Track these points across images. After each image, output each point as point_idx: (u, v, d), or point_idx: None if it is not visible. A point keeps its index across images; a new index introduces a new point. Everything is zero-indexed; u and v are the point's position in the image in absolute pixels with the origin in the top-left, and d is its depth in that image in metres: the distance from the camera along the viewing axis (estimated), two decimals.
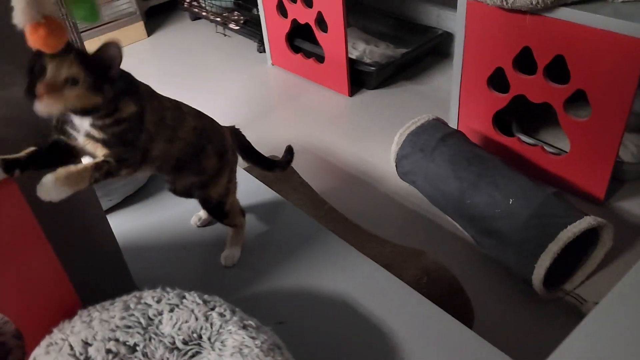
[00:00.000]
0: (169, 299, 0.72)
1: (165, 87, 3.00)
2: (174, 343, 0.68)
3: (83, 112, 0.71)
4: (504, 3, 1.52)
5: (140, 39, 3.18)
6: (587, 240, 1.44)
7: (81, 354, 0.65)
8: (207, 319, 0.70)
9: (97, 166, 0.73)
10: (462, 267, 1.56)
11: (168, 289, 0.74)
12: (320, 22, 2.32)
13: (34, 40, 0.62)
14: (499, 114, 1.85)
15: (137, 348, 0.67)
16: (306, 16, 2.36)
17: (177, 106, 0.91)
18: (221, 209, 1.01)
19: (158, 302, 0.71)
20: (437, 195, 1.65)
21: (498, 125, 1.87)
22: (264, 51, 2.76)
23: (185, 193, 0.97)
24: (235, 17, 3.01)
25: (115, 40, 0.69)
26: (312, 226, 1.12)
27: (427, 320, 0.91)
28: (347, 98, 2.42)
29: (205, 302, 0.73)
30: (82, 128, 0.73)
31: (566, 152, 1.71)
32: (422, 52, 2.57)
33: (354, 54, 2.65)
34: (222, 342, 0.68)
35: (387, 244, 1.37)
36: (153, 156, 0.84)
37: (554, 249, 1.31)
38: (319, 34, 2.36)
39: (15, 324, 0.76)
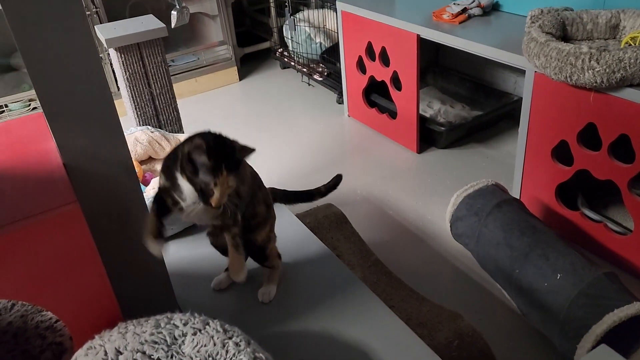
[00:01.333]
0: (194, 323, 0.81)
1: (251, 127, 3.22)
2: None
3: None
4: (569, 80, 1.54)
5: (233, 82, 3.45)
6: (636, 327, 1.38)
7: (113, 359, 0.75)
8: (223, 346, 0.78)
9: (229, 233, 0.98)
10: (505, 337, 1.54)
11: (196, 314, 0.84)
12: (396, 80, 2.42)
13: None
14: (565, 186, 1.83)
15: None
16: (383, 74, 2.47)
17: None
18: (263, 252, 1.12)
19: (185, 324, 0.80)
20: (487, 260, 1.65)
21: (563, 198, 1.84)
22: (342, 103, 2.90)
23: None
24: (320, 69, 3.19)
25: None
26: (348, 277, 1.18)
27: None
28: (415, 155, 2.47)
29: (225, 331, 0.81)
30: (189, 195, 0.90)
31: (631, 231, 1.65)
32: (496, 117, 2.59)
33: (428, 113, 2.71)
34: None
35: (426, 303, 1.39)
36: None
37: (597, 331, 1.27)
38: (393, 91, 2.45)
39: (67, 328, 0.88)
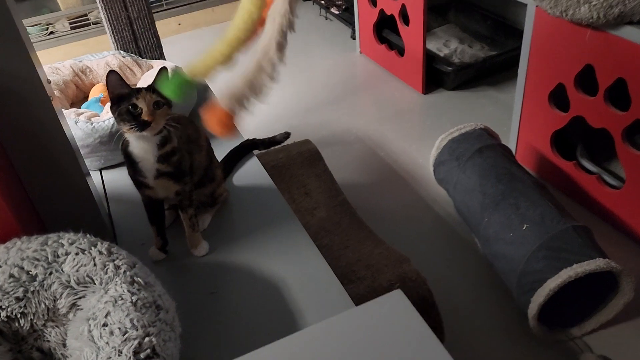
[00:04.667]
0: (80, 244, 0.81)
1: None
2: (69, 282, 0.77)
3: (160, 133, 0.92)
4: (564, 14, 1.40)
5: None
6: (610, 286, 1.30)
7: None
8: (103, 267, 0.78)
9: (186, 214, 1.01)
10: (468, 286, 1.50)
11: (88, 235, 0.84)
12: (405, 15, 2.29)
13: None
14: (563, 136, 1.70)
15: (37, 279, 0.77)
16: (392, 7, 2.33)
17: (191, 121, 1.07)
18: (215, 201, 1.16)
19: (71, 244, 0.81)
20: (461, 207, 1.58)
21: (560, 148, 1.73)
22: (356, 38, 2.78)
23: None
24: (338, 3, 3.05)
25: (165, 66, 0.92)
26: (286, 215, 1.15)
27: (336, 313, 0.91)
28: (420, 95, 2.36)
29: (110, 253, 0.81)
30: (151, 169, 0.94)
31: (623, 183, 1.53)
32: (512, 58, 2.41)
33: (443, 52, 2.57)
34: (106, 291, 0.76)
35: (381, 246, 1.36)
36: (193, 169, 1.03)
37: (551, 285, 1.21)
38: (401, 26, 2.32)
39: None
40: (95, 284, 0.77)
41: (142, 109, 0.87)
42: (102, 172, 1.33)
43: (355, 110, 2.33)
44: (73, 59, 1.54)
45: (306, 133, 2.17)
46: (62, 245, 0.80)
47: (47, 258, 0.78)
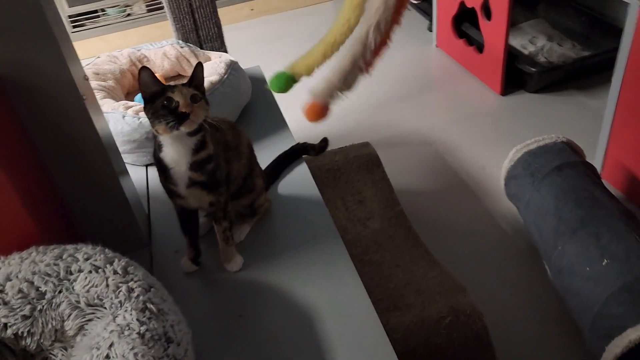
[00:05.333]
0: (95, 260, 0.75)
1: None
2: (79, 302, 0.72)
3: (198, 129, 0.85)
4: None
5: (325, 0, 3.26)
6: None
7: (1, 285, 0.72)
8: (116, 289, 0.72)
9: (220, 227, 0.95)
10: (533, 320, 1.34)
11: (106, 250, 0.78)
12: (487, 8, 2.10)
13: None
14: None
15: (46, 296, 0.72)
16: (472, 0, 2.15)
17: (232, 125, 1.01)
18: (254, 212, 1.08)
19: (86, 259, 0.75)
20: (532, 229, 1.42)
21: None
22: (432, 30, 2.61)
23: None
24: None
25: (200, 62, 0.86)
26: (329, 231, 1.05)
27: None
28: (498, 97, 2.17)
29: (126, 273, 0.74)
30: (183, 177, 0.87)
31: None
32: (607, 60, 2.16)
33: (528, 49, 2.35)
34: (114, 317, 0.70)
35: (435, 269, 1.23)
36: (231, 179, 0.97)
37: (632, 336, 1.04)
38: (482, 21, 2.14)
39: None
40: (105, 308, 0.71)
41: (179, 102, 0.81)
42: (148, 168, 1.29)
43: (426, 110, 2.18)
44: (132, 47, 1.51)
45: (370, 131, 2.05)
46: (77, 260, 0.75)
47: (59, 274, 0.73)
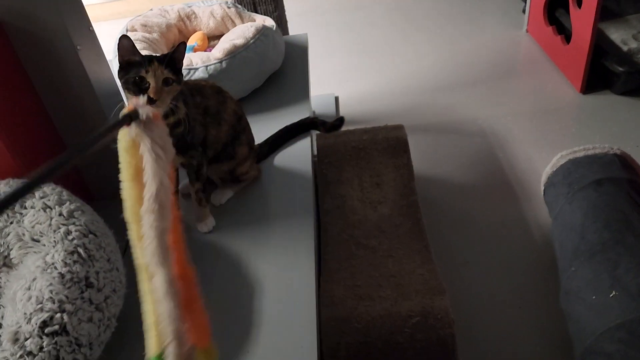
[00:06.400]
0: (48, 199, 0.81)
1: (412, 24, 2.92)
2: (24, 235, 0.78)
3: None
4: None
5: None
6: None
7: None
8: (56, 229, 0.78)
9: (192, 187, 0.97)
10: (534, 335, 1.25)
11: (64, 193, 0.84)
12: None
13: None
14: None
15: None
16: None
17: (219, 91, 0.99)
18: (238, 179, 1.10)
19: (41, 198, 0.81)
20: (556, 244, 1.30)
21: None
22: (525, 12, 2.41)
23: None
24: None
25: (183, 42, 0.86)
26: (306, 210, 1.04)
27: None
28: (577, 94, 1.97)
29: (70, 217, 0.80)
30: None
31: None
32: None
33: (627, 45, 2.09)
34: (45, 254, 0.75)
35: (425, 266, 1.17)
36: (207, 144, 0.99)
37: None
38: (573, 7, 1.93)
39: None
40: (43, 245, 0.77)
41: (149, 84, 0.81)
42: None
43: (492, 98, 2.04)
44: (183, 3, 1.56)
45: (426, 115, 1.97)
46: (33, 196, 0.82)
47: (14, 207, 0.80)
